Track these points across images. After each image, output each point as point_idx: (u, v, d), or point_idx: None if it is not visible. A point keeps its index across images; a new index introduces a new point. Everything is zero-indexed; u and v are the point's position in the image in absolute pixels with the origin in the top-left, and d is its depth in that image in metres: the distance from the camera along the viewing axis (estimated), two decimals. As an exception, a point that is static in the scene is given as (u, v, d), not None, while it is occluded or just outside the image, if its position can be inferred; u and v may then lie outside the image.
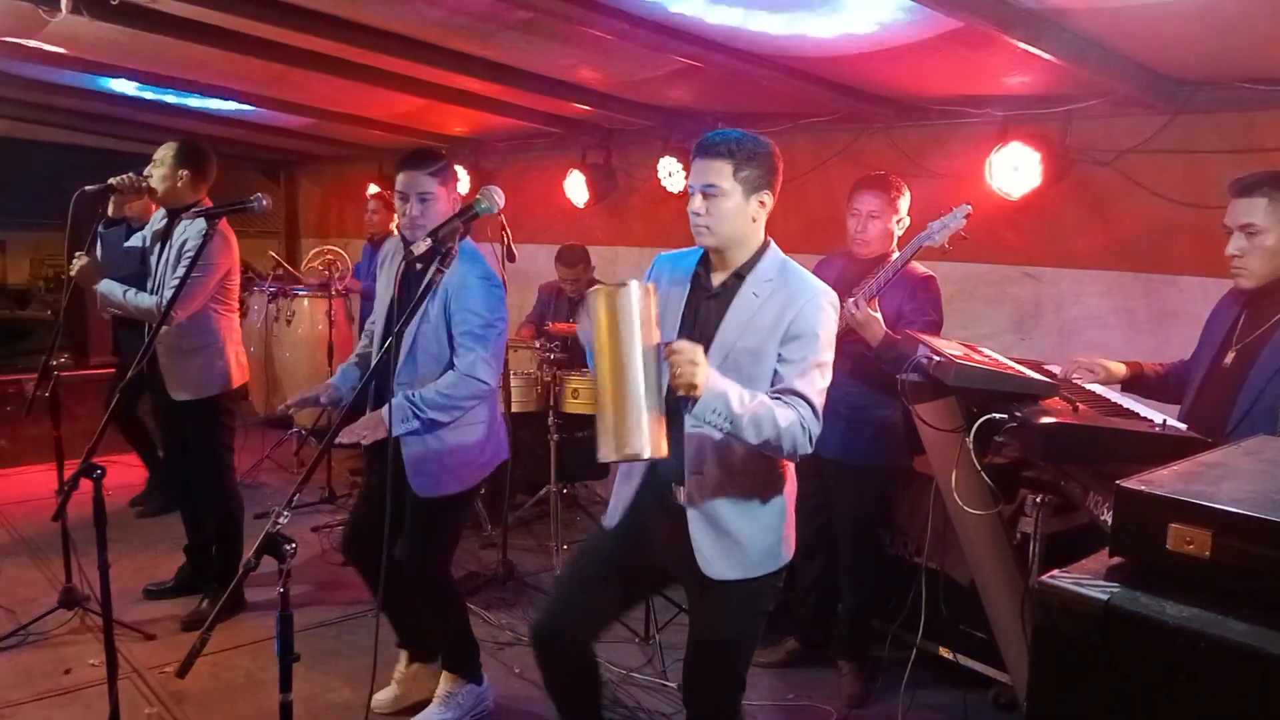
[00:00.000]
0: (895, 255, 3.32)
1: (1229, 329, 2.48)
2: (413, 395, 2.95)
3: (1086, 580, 1.33)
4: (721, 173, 2.25)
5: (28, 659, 3.66)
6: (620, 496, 2.48)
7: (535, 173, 6.40)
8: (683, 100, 4.86)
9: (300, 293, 6.94)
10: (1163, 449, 1.96)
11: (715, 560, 2.32)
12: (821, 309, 2.27)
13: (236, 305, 4.14)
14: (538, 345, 4.97)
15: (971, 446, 2.31)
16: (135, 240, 4.12)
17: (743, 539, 2.33)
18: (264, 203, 3.33)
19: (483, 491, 5.12)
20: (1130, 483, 1.36)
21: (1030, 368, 2.56)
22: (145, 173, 3.91)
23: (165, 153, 3.93)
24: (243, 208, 3.33)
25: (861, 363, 3.34)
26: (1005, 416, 2.24)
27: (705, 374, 2.06)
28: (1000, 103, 3.99)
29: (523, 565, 4.70)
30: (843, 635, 3.64)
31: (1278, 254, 2.34)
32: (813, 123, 4.74)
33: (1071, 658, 1.30)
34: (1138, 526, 1.33)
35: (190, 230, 3.80)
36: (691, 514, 2.32)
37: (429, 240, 2.40)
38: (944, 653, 3.57)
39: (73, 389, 5.16)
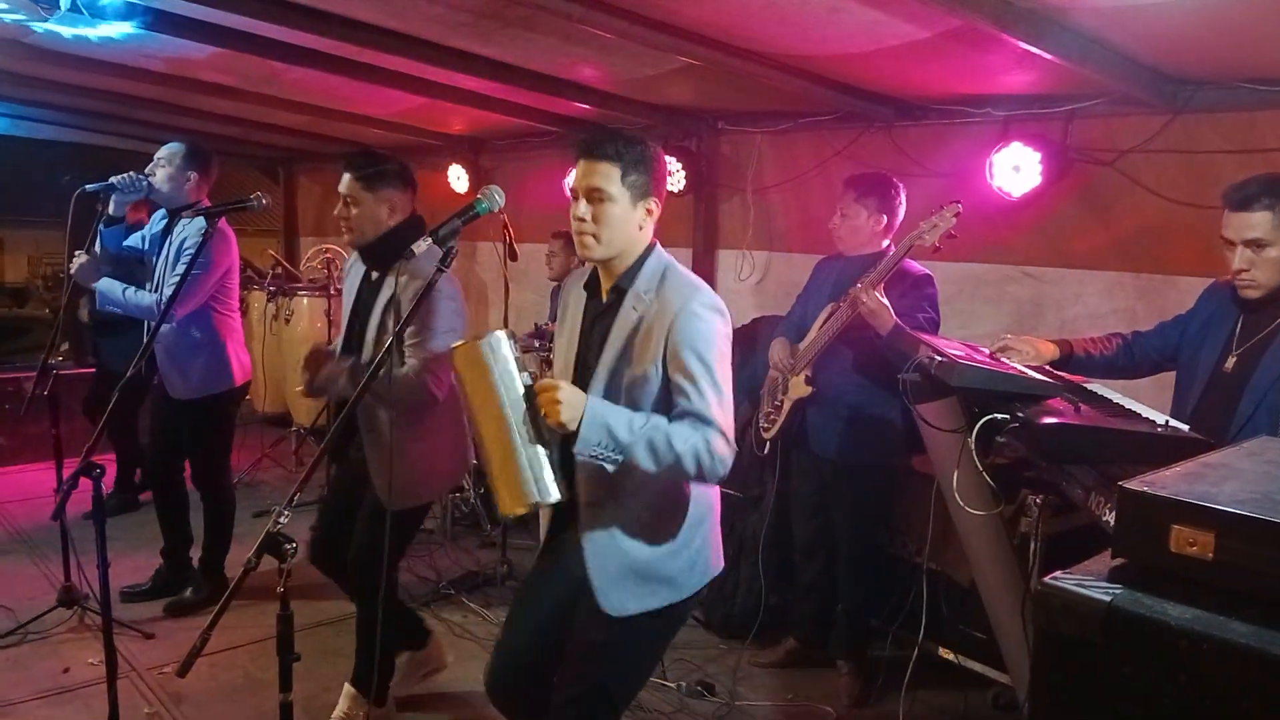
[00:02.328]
0: (890, 254, 3.33)
1: (1229, 334, 2.48)
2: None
3: (1089, 581, 1.33)
4: (609, 177, 2.08)
5: (27, 657, 3.65)
6: (542, 523, 2.40)
7: (535, 171, 6.39)
8: (683, 99, 4.86)
9: (299, 291, 6.93)
10: (1164, 450, 1.95)
11: (613, 595, 2.16)
12: (696, 316, 2.06)
13: (237, 305, 4.13)
14: (537, 345, 4.96)
15: (973, 447, 2.30)
16: (134, 240, 4.12)
17: (646, 570, 2.16)
18: (263, 201, 3.33)
19: (481, 491, 5.17)
20: (1133, 484, 1.35)
21: (1031, 368, 2.56)
22: (148, 171, 3.91)
23: (172, 152, 3.92)
24: (242, 206, 3.32)
25: (865, 355, 3.33)
26: (1007, 417, 2.23)
27: (576, 409, 1.95)
28: (1001, 102, 3.98)
29: (522, 564, 4.69)
30: (842, 635, 3.63)
31: None
32: (813, 121, 4.74)
33: (1073, 659, 1.30)
34: (1140, 528, 1.33)
35: (190, 229, 3.80)
36: (588, 548, 2.17)
37: (428, 240, 2.38)
38: (944, 653, 3.57)
39: (71, 387, 5.16)
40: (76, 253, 3.84)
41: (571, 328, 2.30)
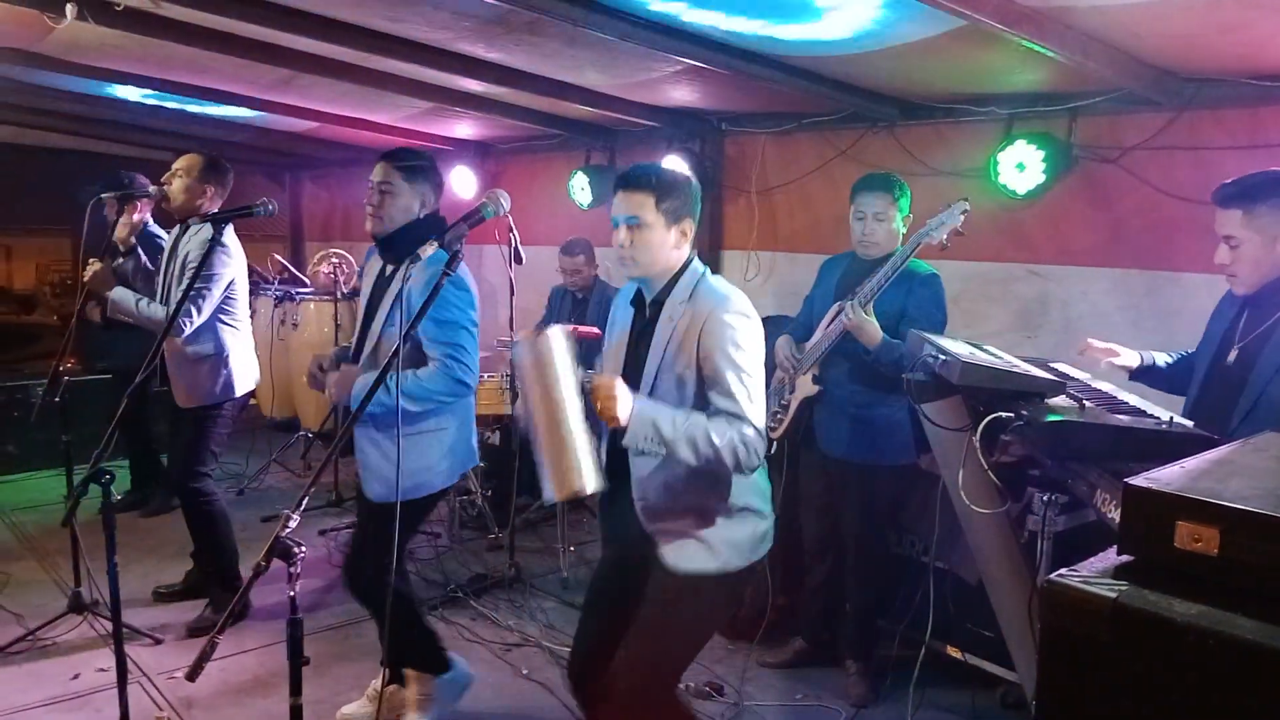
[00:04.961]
0: (897, 252, 3.32)
1: (1230, 327, 2.51)
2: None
3: (1094, 578, 1.32)
4: (644, 205, 2.31)
5: (37, 664, 3.67)
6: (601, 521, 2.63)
7: (540, 175, 6.41)
8: (686, 101, 4.87)
9: (306, 297, 6.95)
10: (1170, 446, 1.95)
11: (673, 555, 2.37)
12: (721, 322, 2.27)
13: (245, 314, 4.10)
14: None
15: (978, 445, 2.30)
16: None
17: (704, 539, 2.36)
18: (270, 207, 3.33)
19: (489, 493, 5.18)
20: (1138, 480, 1.35)
21: (1036, 366, 2.56)
22: (163, 180, 3.93)
23: (190, 164, 3.93)
24: (248, 212, 3.32)
25: (860, 364, 3.34)
26: (1012, 415, 2.23)
27: (626, 405, 2.15)
28: (1004, 100, 3.98)
29: (530, 567, 4.70)
30: (850, 635, 3.63)
31: (1263, 259, 2.39)
32: (816, 122, 4.75)
33: (1080, 656, 1.30)
34: (1145, 524, 1.33)
35: (193, 241, 3.82)
36: (650, 534, 2.39)
37: (434, 243, 2.40)
38: (952, 652, 3.56)
39: (80, 394, 5.17)
40: (90, 260, 3.86)
41: (620, 340, 2.51)
